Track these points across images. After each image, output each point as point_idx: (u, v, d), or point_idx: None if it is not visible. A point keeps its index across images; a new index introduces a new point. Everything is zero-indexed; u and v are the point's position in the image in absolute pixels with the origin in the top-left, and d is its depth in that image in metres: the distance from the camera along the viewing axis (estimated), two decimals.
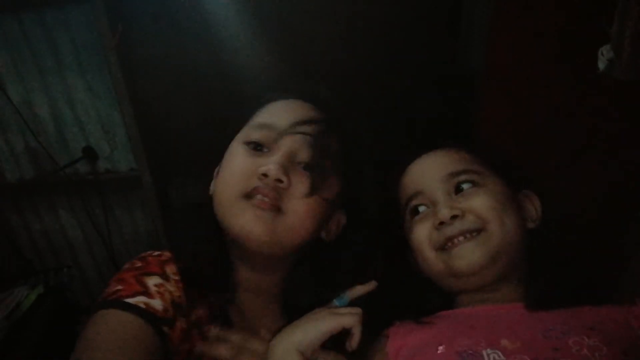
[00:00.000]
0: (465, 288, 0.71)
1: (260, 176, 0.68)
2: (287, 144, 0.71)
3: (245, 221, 0.68)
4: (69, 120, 1.40)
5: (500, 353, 0.57)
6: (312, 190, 0.70)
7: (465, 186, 0.72)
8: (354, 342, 0.65)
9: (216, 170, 0.79)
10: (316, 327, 0.65)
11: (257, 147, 0.72)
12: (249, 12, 1.09)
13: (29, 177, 1.48)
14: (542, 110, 0.91)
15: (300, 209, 0.69)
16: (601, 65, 0.63)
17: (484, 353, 0.57)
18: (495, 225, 0.67)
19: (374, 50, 1.11)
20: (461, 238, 0.68)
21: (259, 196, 0.68)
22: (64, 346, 0.63)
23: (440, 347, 0.61)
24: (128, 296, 0.64)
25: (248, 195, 0.69)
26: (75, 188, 1.47)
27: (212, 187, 0.78)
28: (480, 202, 0.69)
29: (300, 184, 0.70)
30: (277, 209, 0.68)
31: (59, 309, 1.41)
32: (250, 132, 0.74)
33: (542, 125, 0.92)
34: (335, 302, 0.71)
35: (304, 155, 0.71)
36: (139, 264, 0.71)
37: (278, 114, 0.75)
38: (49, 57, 1.32)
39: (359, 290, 0.72)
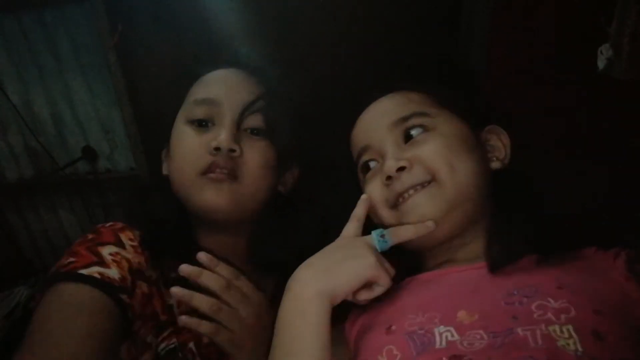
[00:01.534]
0: (426, 246, 0.65)
1: (213, 151, 0.70)
2: (231, 114, 0.72)
3: (207, 197, 0.70)
4: (69, 120, 1.40)
5: (453, 330, 0.51)
6: (264, 155, 0.73)
7: (414, 132, 0.64)
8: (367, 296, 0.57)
9: (163, 152, 0.81)
10: (355, 271, 0.55)
11: (201, 124, 0.74)
12: (249, 12, 1.09)
13: (28, 176, 1.48)
14: (542, 110, 0.91)
15: (255, 172, 0.72)
16: (600, 64, 0.63)
17: (436, 332, 0.52)
18: (445, 173, 0.60)
19: (374, 50, 1.11)
20: (411, 191, 0.61)
21: (217, 170, 0.70)
22: (32, 317, 0.62)
23: (392, 327, 0.56)
24: (81, 267, 0.63)
25: (205, 172, 0.71)
26: (75, 188, 1.47)
27: (164, 169, 0.80)
28: (428, 150, 0.62)
29: (251, 150, 0.72)
30: (234, 177, 0.71)
31: None
32: (191, 109, 0.75)
33: (541, 125, 0.92)
34: (375, 241, 0.60)
35: (249, 121, 0.73)
36: (91, 236, 0.70)
37: (215, 88, 0.76)
38: (49, 57, 1.32)
39: (406, 232, 0.61)
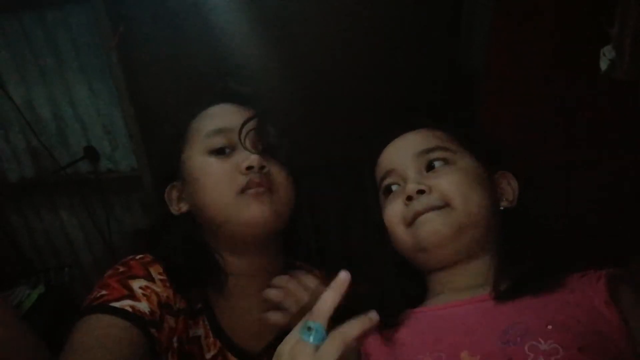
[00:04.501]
0: (434, 264, 0.71)
1: (244, 171, 0.74)
2: (248, 139, 0.78)
3: (253, 211, 0.73)
4: (70, 120, 1.40)
5: None
6: (284, 167, 0.79)
7: (436, 164, 0.73)
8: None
9: (167, 193, 0.82)
10: None
11: (220, 152, 0.78)
12: (249, 12, 1.08)
13: (30, 176, 1.48)
14: (542, 111, 0.91)
15: (285, 184, 0.79)
16: (603, 65, 0.63)
17: None
18: (459, 201, 0.68)
19: (375, 51, 1.11)
20: (427, 211, 0.68)
21: (254, 185, 0.74)
22: (64, 346, 0.62)
23: None
24: (114, 300, 0.64)
25: (243, 190, 0.74)
26: (76, 188, 1.47)
27: (175, 209, 0.81)
28: (447, 181, 0.70)
29: (274, 165, 0.78)
30: (271, 191, 0.76)
31: (60, 308, 1.41)
32: (208, 141, 0.78)
33: (542, 126, 0.92)
34: (305, 336, 0.52)
35: (262, 143, 0.79)
36: (122, 269, 0.72)
37: (225, 118, 0.80)
38: (50, 57, 1.32)
39: (325, 307, 0.54)
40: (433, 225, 0.67)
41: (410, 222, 0.70)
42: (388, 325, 0.69)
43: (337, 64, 1.11)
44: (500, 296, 0.64)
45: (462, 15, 1.02)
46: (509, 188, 0.76)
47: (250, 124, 0.79)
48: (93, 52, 1.29)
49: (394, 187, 0.75)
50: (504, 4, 0.84)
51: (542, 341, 0.55)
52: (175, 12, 1.11)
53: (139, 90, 1.23)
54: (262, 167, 0.75)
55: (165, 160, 0.84)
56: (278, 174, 0.78)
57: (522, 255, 0.68)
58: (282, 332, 0.77)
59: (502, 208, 0.74)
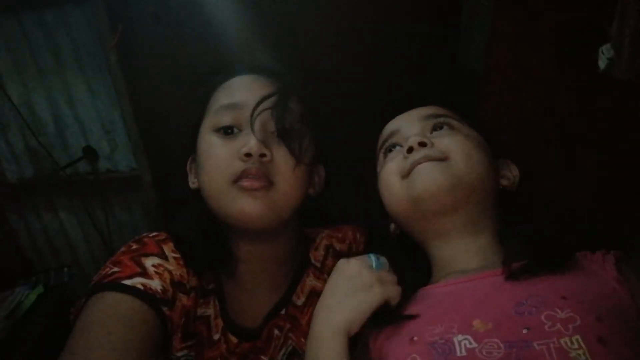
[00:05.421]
0: (432, 228, 0.70)
1: (243, 157, 0.69)
2: (258, 119, 0.71)
3: (242, 206, 0.69)
4: (69, 120, 1.40)
5: (471, 339, 0.55)
6: (293, 155, 0.71)
7: (440, 130, 0.73)
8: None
9: (188, 165, 0.81)
10: (364, 302, 0.62)
11: (227, 131, 0.72)
12: (249, 12, 1.09)
13: (29, 177, 1.48)
14: (543, 110, 0.91)
15: (288, 175, 0.71)
16: (602, 64, 0.63)
17: (455, 340, 0.56)
18: (460, 157, 0.67)
19: (375, 50, 1.11)
20: (425, 162, 0.67)
21: (250, 176, 0.68)
22: (64, 346, 0.61)
23: (415, 338, 0.60)
24: (125, 278, 0.62)
25: (237, 180, 0.69)
26: (75, 188, 1.47)
27: (191, 182, 0.80)
28: (450, 139, 0.69)
29: (281, 153, 0.71)
30: (268, 183, 0.69)
31: (59, 308, 1.41)
32: (217, 117, 0.73)
33: (542, 125, 0.92)
34: (372, 261, 0.68)
35: (275, 125, 0.72)
36: (135, 246, 0.70)
37: (240, 93, 0.74)
38: (49, 57, 1.32)
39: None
40: (429, 174, 0.66)
41: (407, 174, 0.68)
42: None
43: (336, 65, 1.11)
44: (513, 275, 0.62)
45: (462, 15, 1.02)
46: (509, 174, 0.76)
47: (269, 102, 0.71)
48: (92, 52, 1.29)
49: (395, 149, 0.75)
50: (504, 3, 0.84)
51: (558, 310, 0.54)
52: (175, 12, 1.11)
53: (138, 90, 1.23)
54: (262, 155, 0.69)
55: (186, 131, 0.79)
56: (284, 164, 0.71)
57: (529, 235, 0.67)
58: (276, 307, 0.79)
59: (501, 187, 0.74)
